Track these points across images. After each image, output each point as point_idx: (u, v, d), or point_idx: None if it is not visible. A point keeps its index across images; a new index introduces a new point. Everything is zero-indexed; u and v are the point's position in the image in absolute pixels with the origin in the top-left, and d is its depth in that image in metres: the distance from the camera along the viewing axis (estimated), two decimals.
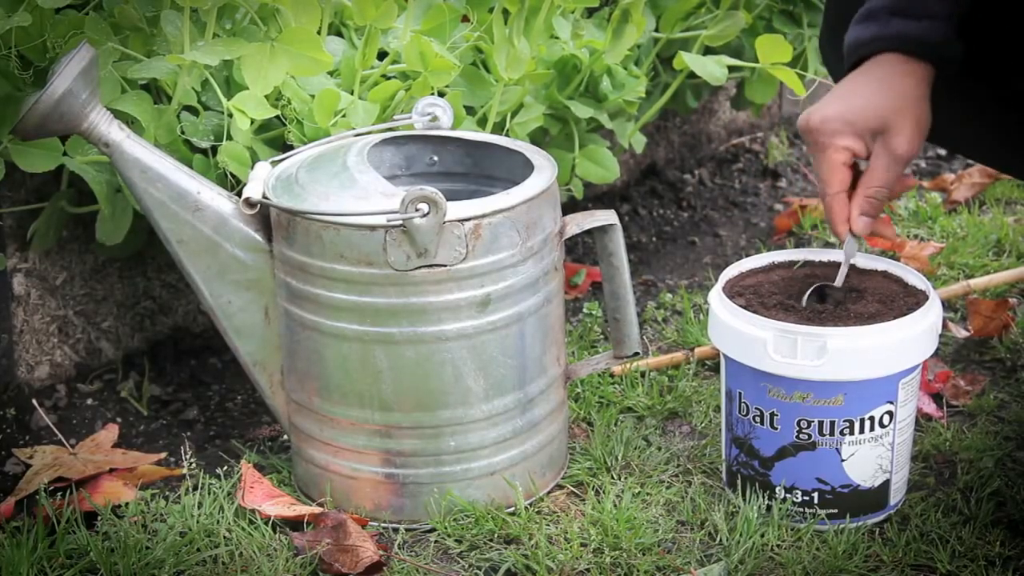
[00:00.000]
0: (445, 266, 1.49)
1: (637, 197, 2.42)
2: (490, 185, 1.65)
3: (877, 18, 1.49)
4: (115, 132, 1.53)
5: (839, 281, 1.57)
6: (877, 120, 1.48)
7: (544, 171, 1.57)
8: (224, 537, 1.54)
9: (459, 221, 1.48)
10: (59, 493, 1.61)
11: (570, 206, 2.02)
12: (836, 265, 1.63)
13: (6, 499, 1.61)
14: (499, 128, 1.82)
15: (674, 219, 2.39)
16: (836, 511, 1.55)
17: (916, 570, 1.50)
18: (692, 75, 2.04)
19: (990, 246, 2.21)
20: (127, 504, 1.59)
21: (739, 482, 1.58)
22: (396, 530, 1.57)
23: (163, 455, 1.72)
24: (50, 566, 1.49)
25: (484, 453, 1.57)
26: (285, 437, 1.70)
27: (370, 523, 1.58)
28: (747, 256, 1.69)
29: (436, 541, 1.56)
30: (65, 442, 1.72)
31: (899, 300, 1.56)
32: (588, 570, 1.50)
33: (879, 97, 1.48)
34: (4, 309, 1.78)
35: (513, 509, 1.59)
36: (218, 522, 1.55)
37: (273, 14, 1.68)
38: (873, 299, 1.56)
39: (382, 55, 1.78)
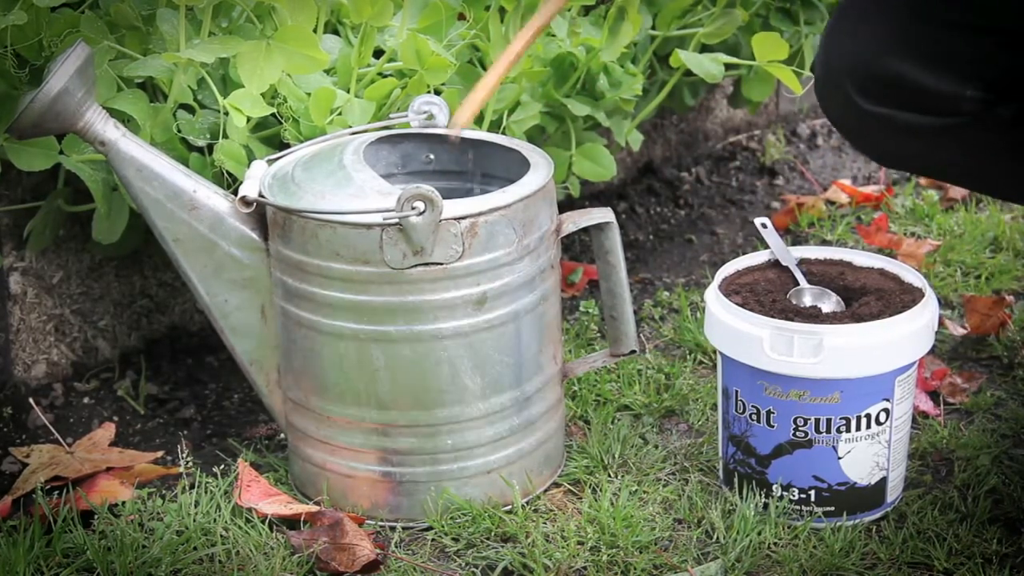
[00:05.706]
0: (441, 264, 1.49)
1: (634, 195, 2.42)
2: (486, 183, 1.65)
3: None
4: (111, 131, 1.52)
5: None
6: None
7: (540, 169, 1.57)
8: (221, 536, 1.53)
9: (455, 219, 1.48)
10: (56, 492, 1.61)
11: (567, 204, 2.02)
12: (834, 264, 1.63)
13: (3, 498, 1.61)
14: (496, 126, 1.82)
15: (671, 217, 2.39)
16: (833, 509, 1.55)
17: (913, 568, 1.50)
18: (689, 73, 2.04)
19: (987, 244, 2.21)
20: (124, 503, 1.59)
21: (736, 480, 1.58)
22: (393, 528, 1.57)
23: (160, 454, 1.71)
24: (47, 565, 1.49)
25: (481, 451, 1.57)
26: (282, 436, 1.70)
27: (367, 521, 1.58)
28: (744, 254, 1.69)
29: (433, 539, 1.55)
30: (62, 441, 1.72)
31: (895, 297, 1.56)
32: (585, 568, 1.50)
33: None
34: (1, 308, 1.78)
35: (510, 507, 1.59)
36: (215, 521, 1.55)
37: (269, 12, 1.68)
38: (870, 296, 1.56)
39: (378, 53, 1.78)
